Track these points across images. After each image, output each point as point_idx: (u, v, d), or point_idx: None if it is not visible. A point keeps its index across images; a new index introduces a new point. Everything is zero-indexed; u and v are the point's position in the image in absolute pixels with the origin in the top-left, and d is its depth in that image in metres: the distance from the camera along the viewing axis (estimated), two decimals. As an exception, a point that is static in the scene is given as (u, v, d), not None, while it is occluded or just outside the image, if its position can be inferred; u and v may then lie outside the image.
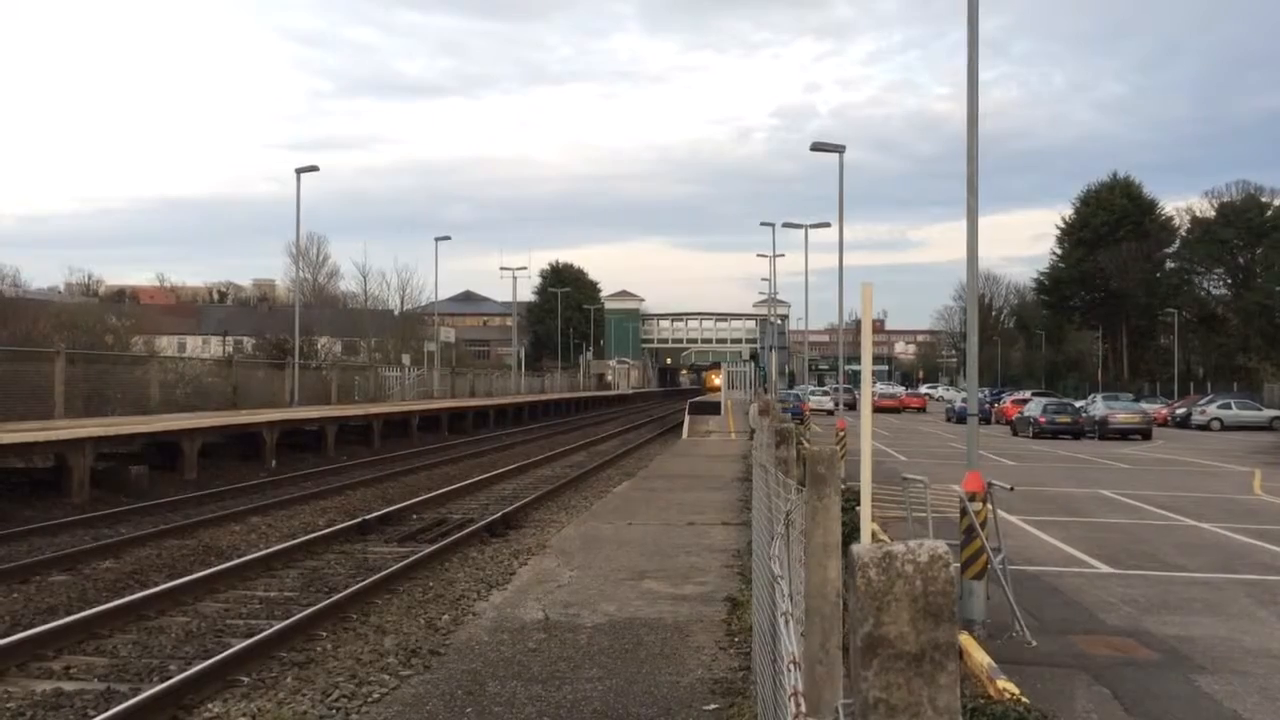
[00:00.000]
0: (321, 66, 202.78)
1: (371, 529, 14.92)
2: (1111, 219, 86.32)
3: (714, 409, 47.04)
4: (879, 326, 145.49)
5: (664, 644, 8.24)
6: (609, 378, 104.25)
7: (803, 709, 2.57)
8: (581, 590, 10.22)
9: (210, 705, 7.02)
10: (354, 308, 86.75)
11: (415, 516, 16.60)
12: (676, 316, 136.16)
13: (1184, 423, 52.18)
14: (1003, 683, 6.93)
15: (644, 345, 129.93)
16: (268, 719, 6.74)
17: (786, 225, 46.46)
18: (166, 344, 67.29)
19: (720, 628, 8.74)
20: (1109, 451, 33.04)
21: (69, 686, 7.46)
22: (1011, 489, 12.56)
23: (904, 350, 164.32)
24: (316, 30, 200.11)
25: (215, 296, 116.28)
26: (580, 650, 8.05)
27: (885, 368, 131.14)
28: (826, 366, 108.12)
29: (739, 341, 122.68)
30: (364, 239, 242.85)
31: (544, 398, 61.22)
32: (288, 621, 8.92)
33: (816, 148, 31.16)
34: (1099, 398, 51.78)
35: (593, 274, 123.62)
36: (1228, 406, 52.65)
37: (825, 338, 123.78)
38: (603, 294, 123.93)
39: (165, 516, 16.27)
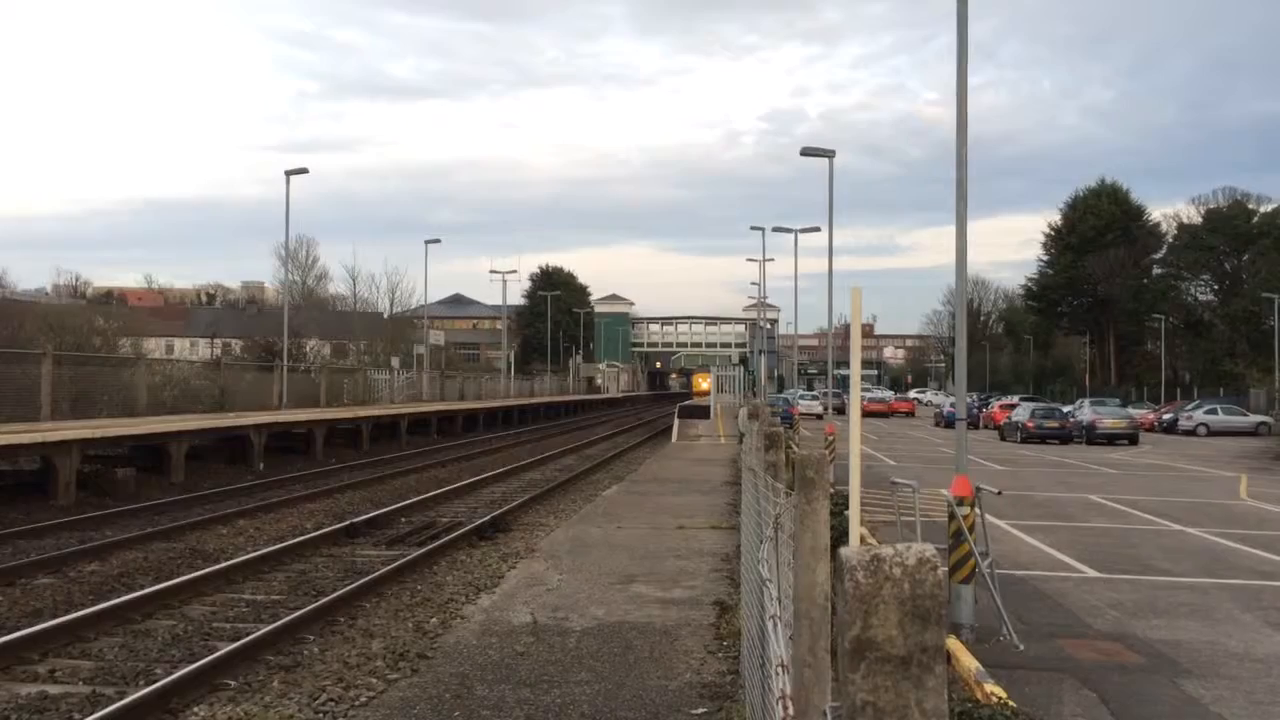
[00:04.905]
0: (309, 68, 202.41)
1: (359, 532, 14.88)
2: (1099, 225, 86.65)
3: (703, 413, 47.08)
4: (868, 331, 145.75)
5: (652, 648, 8.24)
6: (599, 381, 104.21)
7: (790, 712, 2.58)
8: (570, 594, 10.21)
9: (197, 709, 6.99)
10: (343, 310, 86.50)
11: (404, 520, 16.56)
12: (666, 320, 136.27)
13: (1171, 428, 52.38)
14: (990, 686, 6.95)
15: (634, 349, 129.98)
16: (254, 722, 6.71)
17: (776, 229, 46.58)
18: (154, 346, 66.84)
19: (709, 631, 8.75)
20: (1096, 456, 33.16)
21: (54, 690, 7.41)
22: (999, 493, 12.57)
23: (893, 355, 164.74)
24: (303, 31, 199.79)
25: (203, 299, 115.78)
26: (569, 654, 8.04)
27: (875, 372, 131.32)
28: (816, 371, 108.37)
29: (729, 345, 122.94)
30: (353, 241, 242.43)
31: (533, 401, 61.17)
32: (275, 625, 8.89)
33: (807, 152, 31.23)
34: (1086, 403, 51.94)
35: (582, 277, 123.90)
36: (1214, 412, 52.85)
37: (814, 342, 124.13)
38: (592, 297, 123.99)
39: (152, 519, 16.20)
